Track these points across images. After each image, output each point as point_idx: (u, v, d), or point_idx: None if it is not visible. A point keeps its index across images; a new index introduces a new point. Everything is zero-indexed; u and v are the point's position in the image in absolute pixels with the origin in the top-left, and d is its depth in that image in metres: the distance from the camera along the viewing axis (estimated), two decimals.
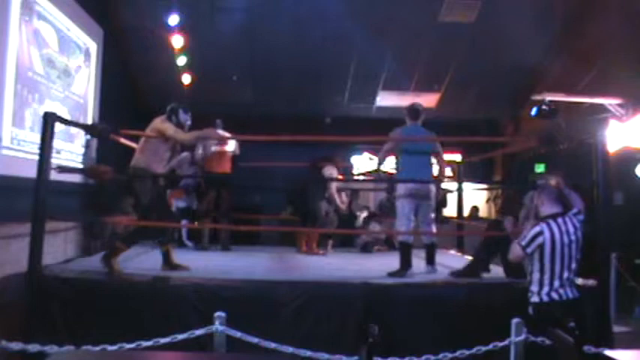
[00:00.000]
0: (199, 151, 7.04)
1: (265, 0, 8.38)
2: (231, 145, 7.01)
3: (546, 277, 3.90)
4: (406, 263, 5.14)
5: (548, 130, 8.32)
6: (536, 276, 3.95)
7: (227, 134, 6.77)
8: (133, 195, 5.00)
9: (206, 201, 7.01)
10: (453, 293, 4.65)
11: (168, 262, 4.98)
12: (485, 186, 11.17)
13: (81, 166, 6.84)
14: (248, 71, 9.51)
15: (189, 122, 5.20)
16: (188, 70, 8.82)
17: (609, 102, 8.26)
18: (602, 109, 8.39)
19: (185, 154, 6.98)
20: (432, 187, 5.37)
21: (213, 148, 6.97)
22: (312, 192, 7.04)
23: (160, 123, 5.02)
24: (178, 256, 5.23)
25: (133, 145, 5.39)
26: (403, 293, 4.53)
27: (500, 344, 4.01)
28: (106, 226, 7.00)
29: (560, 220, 3.94)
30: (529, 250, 3.92)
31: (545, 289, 3.90)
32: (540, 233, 3.90)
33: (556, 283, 3.88)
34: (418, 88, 10.56)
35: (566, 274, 3.89)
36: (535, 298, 3.94)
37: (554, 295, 3.87)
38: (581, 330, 3.78)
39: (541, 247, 3.89)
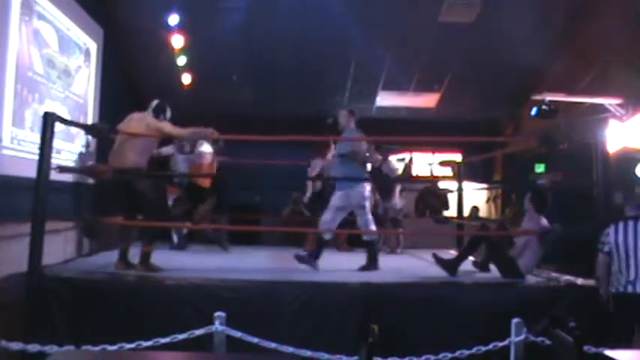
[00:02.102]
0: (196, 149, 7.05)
1: (265, 0, 8.38)
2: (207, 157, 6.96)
3: (616, 270, 4.17)
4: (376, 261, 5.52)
5: (548, 130, 8.33)
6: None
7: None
8: (138, 196, 4.94)
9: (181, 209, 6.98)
10: (453, 293, 4.66)
11: (144, 263, 4.90)
12: (485, 186, 11.17)
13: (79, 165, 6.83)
14: (248, 71, 9.50)
15: (169, 115, 5.27)
16: (188, 70, 8.82)
17: (609, 102, 8.26)
18: (602, 109, 8.39)
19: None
20: None
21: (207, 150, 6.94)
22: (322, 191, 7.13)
23: (155, 121, 5.02)
24: (175, 256, 5.23)
25: None
26: (403, 293, 4.54)
27: (501, 344, 4.01)
28: (105, 226, 7.01)
29: (631, 222, 4.20)
30: (606, 248, 4.23)
31: (617, 282, 4.17)
32: (608, 233, 4.25)
33: (623, 279, 4.12)
34: (418, 88, 10.55)
35: (635, 270, 4.07)
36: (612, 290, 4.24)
37: (621, 289, 4.14)
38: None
39: (610, 243, 4.20)
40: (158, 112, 5.12)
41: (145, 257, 4.90)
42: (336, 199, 5.53)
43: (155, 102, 5.20)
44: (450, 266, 5.15)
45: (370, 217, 5.58)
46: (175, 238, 7.15)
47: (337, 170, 5.74)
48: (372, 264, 5.48)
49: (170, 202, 7.03)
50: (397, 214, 7.36)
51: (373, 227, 5.60)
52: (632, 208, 4.23)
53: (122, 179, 4.92)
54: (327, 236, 5.55)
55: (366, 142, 5.66)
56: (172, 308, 4.19)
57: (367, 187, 5.57)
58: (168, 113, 5.22)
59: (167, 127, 5.01)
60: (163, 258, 5.14)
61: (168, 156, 7.18)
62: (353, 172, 5.49)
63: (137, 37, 8.28)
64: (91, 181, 6.86)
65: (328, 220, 5.48)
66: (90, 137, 6.90)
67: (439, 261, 5.20)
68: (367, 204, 5.57)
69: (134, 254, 5.17)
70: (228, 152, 7.47)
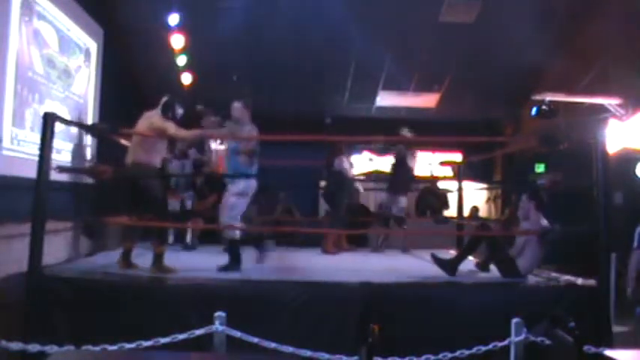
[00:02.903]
0: (209, 152, 7.05)
1: (265, 0, 8.38)
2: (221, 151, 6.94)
3: None
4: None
5: (548, 130, 8.33)
6: None
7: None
8: (141, 192, 4.93)
9: (207, 203, 6.95)
10: (453, 293, 4.66)
11: (158, 265, 4.88)
12: (485, 186, 11.18)
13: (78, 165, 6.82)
14: (248, 71, 9.50)
15: (180, 113, 5.16)
16: (188, 70, 8.82)
17: (609, 102, 8.27)
18: (602, 109, 8.40)
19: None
20: None
21: (218, 148, 6.97)
22: (333, 189, 7.14)
23: (160, 121, 4.97)
24: (177, 256, 5.22)
25: None
26: (403, 293, 4.54)
27: (500, 344, 4.01)
28: (105, 226, 7.01)
29: None
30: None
31: None
32: None
33: None
34: (418, 88, 10.55)
35: None
36: None
37: None
38: None
39: None
40: (166, 111, 5.03)
41: (159, 259, 4.88)
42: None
43: (164, 99, 5.10)
44: (449, 266, 5.14)
45: (236, 212, 5.20)
46: (189, 239, 7.10)
47: (228, 164, 5.42)
48: (233, 264, 5.09)
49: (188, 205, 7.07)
50: (400, 212, 7.39)
51: (236, 223, 5.20)
52: None
53: (128, 176, 4.92)
54: (236, 234, 5.23)
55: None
56: (172, 308, 4.19)
57: (252, 184, 5.28)
58: (180, 111, 5.12)
59: (170, 128, 4.94)
60: (167, 258, 5.12)
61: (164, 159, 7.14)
62: (241, 167, 5.22)
63: (137, 37, 8.27)
64: (90, 181, 6.86)
65: (233, 215, 5.19)
66: (85, 137, 6.89)
67: (437, 261, 5.19)
68: (240, 198, 5.21)
69: (136, 254, 5.18)
70: None
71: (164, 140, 5.11)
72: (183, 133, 5.04)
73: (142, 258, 5.23)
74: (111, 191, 6.31)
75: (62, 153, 6.25)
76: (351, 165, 7.32)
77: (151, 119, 4.98)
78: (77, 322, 4.15)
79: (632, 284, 4.34)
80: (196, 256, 6.41)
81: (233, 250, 5.16)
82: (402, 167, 7.41)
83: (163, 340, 3.82)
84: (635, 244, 4.35)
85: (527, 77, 9.70)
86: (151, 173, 4.96)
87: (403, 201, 7.40)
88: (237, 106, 5.31)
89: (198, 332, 3.87)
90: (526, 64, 9.08)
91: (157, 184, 5.01)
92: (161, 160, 5.28)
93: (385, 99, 10.86)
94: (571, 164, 7.64)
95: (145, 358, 3.12)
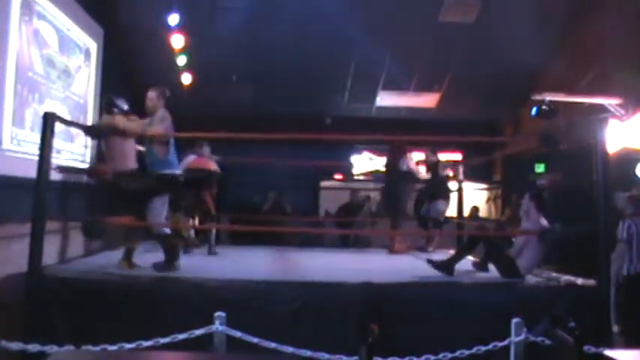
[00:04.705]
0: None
1: (265, 0, 8.39)
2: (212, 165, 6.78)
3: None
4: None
5: (548, 130, 8.34)
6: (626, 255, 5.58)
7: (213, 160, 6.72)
8: (129, 195, 4.98)
9: (184, 201, 6.80)
10: (453, 293, 4.66)
11: (126, 260, 4.97)
12: (485, 186, 11.18)
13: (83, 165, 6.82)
14: (248, 71, 9.51)
15: (126, 107, 5.21)
16: (188, 70, 8.82)
17: (609, 102, 8.27)
18: (602, 109, 8.40)
19: None
20: None
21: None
22: (395, 188, 7.14)
23: (108, 119, 5.05)
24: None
25: None
26: (403, 293, 4.53)
27: (500, 344, 4.01)
28: (105, 226, 6.97)
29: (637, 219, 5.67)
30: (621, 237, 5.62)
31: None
32: (630, 226, 5.63)
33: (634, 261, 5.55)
34: (418, 88, 10.57)
35: None
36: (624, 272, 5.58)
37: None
38: None
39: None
40: (109, 108, 5.14)
41: (127, 254, 4.99)
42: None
43: (106, 98, 5.25)
44: (445, 267, 5.11)
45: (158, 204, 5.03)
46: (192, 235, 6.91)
47: (146, 155, 5.19)
48: (168, 263, 4.91)
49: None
50: (440, 215, 7.35)
51: (160, 219, 5.08)
52: None
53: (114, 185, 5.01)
54: (166, 230, 5.14)
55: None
56: (172, 308, 4.19)
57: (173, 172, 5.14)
58: (120, 103, 5.17)
59: (119, 121, 5.02)
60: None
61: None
62: (157, 157, 5.07)
63: (137, 37, 8.28)
64: (90, 180, 6.85)
65: (157, 214, 5.07)
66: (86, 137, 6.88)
67: (433, 264, 5.14)
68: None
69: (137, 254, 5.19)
70: (227, 153, 7.42)
71: (130, 141, 5.14)
72: (129, 124, 5.07)
73: (146, 256, 5.25)
74: (110, 191, 6.30)
75: (62, 153, 6.25)
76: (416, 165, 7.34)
77: (103, 121, 5.10)
78: (77, 322, 4.15)
79: None
80: (195, 256, 6.39)
81: (167, 245, 5.02)
82: (434, 174, 7.41)
83: (163, 340, 3.82)
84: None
85: (527, 77, 9.71)
86: (130, 175, 5.02)
87: (440, 205, 7.35)
88: (151, 95, 5.13)
89: (198, 332, 3.87)
90: (526, 64, 9.09)
91: (137, 185, 5.05)
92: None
93: (385, 99, 10.87)
94: (571, 164, 7.65)
95: (145, 358, 3.12)
